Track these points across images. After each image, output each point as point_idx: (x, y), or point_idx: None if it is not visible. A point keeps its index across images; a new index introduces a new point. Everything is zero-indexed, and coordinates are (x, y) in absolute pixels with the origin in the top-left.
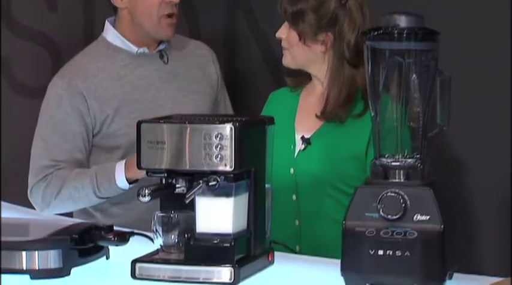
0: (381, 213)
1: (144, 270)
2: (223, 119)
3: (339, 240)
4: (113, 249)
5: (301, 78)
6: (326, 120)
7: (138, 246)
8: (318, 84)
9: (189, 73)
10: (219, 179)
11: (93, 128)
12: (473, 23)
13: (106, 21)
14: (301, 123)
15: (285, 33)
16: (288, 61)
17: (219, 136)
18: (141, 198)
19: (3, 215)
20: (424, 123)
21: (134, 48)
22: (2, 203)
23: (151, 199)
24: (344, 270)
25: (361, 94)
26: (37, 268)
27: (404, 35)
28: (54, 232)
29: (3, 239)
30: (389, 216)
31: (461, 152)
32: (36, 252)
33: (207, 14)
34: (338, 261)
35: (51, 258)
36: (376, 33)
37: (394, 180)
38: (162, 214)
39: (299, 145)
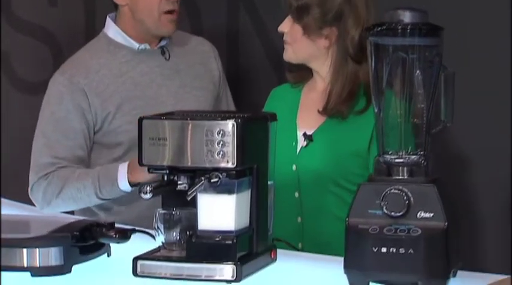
0: (385, 210)
1: (145, 267)
2: (225, 115)
3: (341, 238)
4: (114, 246)
5: (302, 74)
6: (328, 116)
7: (139, 244)
8: (320, 80)
9: (191, 70)
10: (221, 176)
11: (94, 125)
12: (477, 19)
13: (107, 17)
14: (302, 120)
15: (288, 27)
16: (289, 55)
17: (221, 132)
18: (142, 195)
19: (3, 212)
20: (428, 119)
21: (136, 45)
22: (2, 200)
23: (153, 196)
24: (347, 267)
25: (364, 90)
26: (38, 265)
27: (408, 31)
28: (55, 229)
29: (4, 236)
30: (392, 213)
31: (465, 148)
32: (37, 249)
33: (209, 10)
34: (341, 259)
35: (52, 255)
36: (379, 28)
37: (397, 177)
38: (163, 211)
39: (301, 142)
